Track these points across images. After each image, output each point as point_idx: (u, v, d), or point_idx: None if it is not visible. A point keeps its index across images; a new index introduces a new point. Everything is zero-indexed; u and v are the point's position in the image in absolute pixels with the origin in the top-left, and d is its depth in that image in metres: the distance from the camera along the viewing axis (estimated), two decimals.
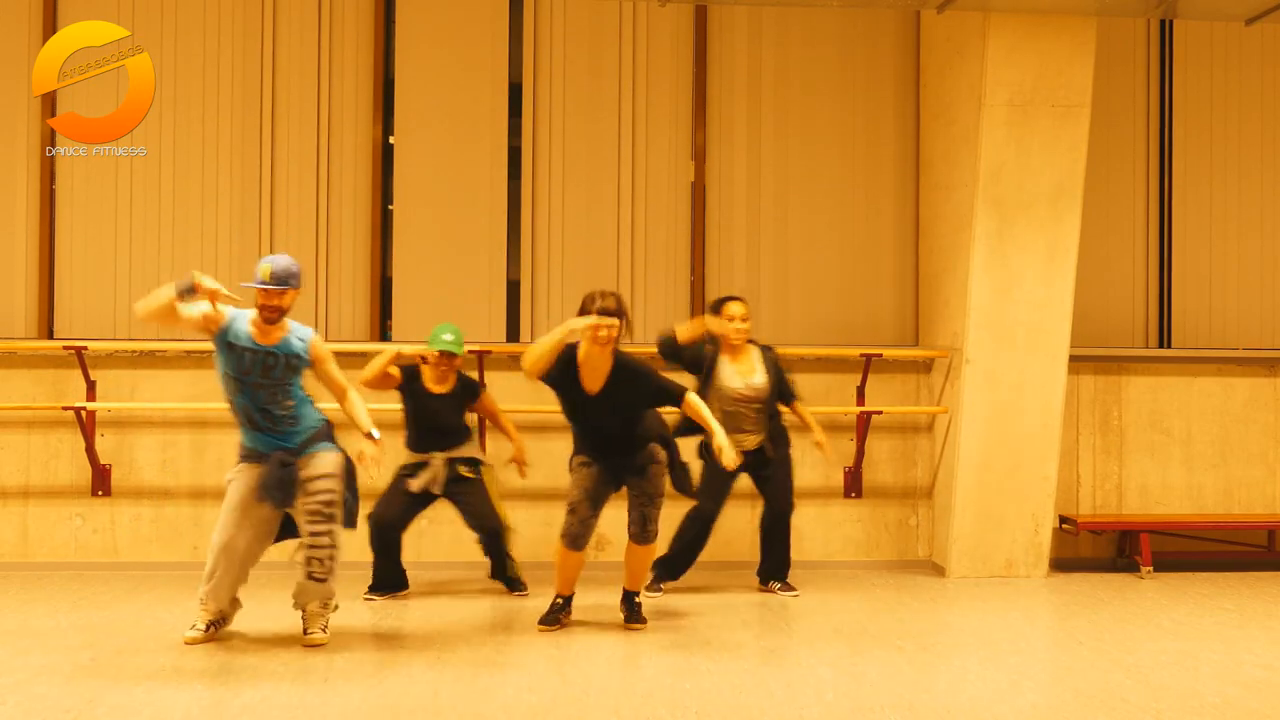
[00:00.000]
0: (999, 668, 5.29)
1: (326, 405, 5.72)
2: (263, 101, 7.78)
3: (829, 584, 7.14)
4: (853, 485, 7.81)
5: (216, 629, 5.56)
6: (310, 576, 5.45)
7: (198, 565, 7.33)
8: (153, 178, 7.73)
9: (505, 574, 6.73)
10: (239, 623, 5.94)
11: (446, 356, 6.51)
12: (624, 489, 5.86)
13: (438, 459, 6.52)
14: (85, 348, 7.27)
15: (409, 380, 6.55)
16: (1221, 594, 7.01)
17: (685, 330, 6.61)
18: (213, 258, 7.72)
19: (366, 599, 6.51)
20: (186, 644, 5.43)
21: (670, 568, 6.74)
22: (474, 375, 7.11)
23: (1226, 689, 4.91)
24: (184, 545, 7.45)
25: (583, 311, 5.55)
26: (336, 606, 5.62)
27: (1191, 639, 5.85)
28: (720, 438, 5.50)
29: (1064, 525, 7.74)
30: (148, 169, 7.71)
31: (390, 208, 7.92)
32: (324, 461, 5.44)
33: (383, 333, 7.84)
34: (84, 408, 7.24)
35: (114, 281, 7.67)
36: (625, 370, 5.61)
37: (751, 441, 6.62)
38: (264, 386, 5.36)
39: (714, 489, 6.56)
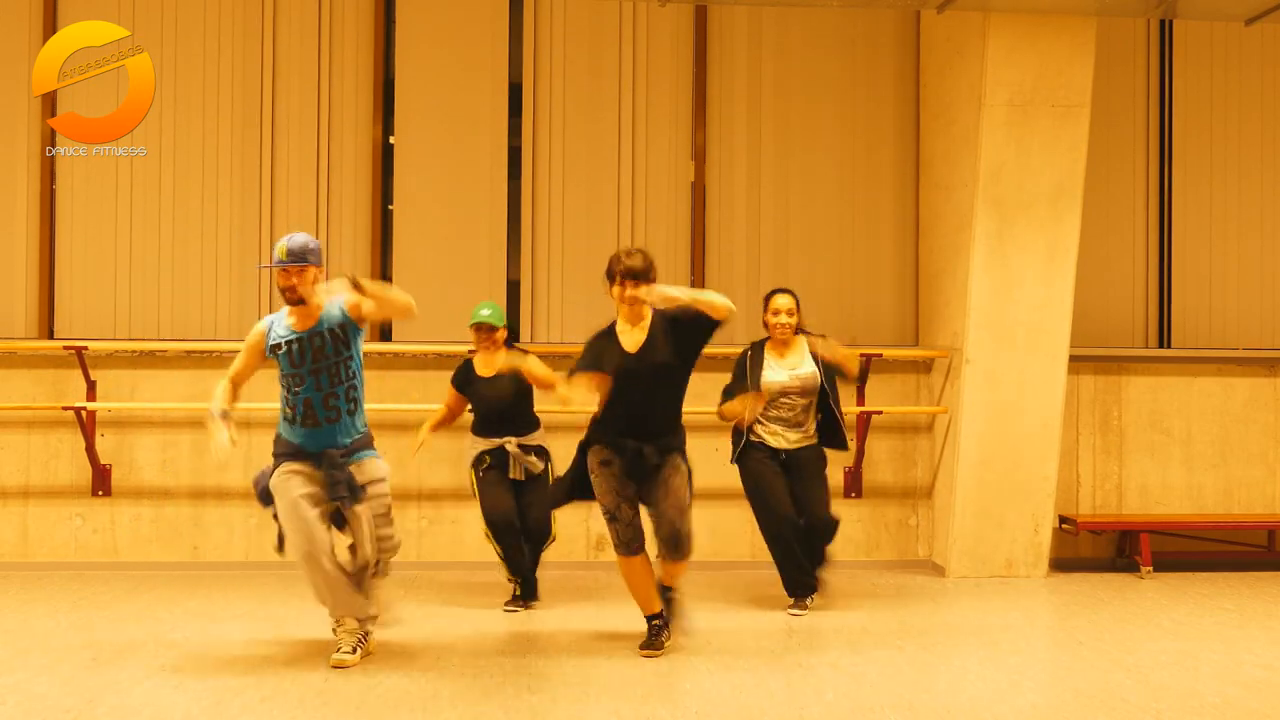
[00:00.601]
0: (999, 668, 5.29)
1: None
2: (263, 101, 7.78)
3: (829, 584, 7.13)
4: (853, 485, 7.81)
5: (364, 642, 5.17)
6: (378, 574, 5.29)
7: (197, 565, 7.40)
8: (153, 178, 7.73)
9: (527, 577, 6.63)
10: (239, 623, 5.95)
11: (485, 330, 6.44)
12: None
13: (511, 443, 6.44)
14: (85, 348, 7.27)
15: (464, 381, 6.54)
16: (1221, 594, 7.01)
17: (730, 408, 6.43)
18: (213, 258, 7.74)
19: (508, 610, 6.32)
20: (334, 668, 4.99)
21: (794, 587, 6.47)
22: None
23: (1226, 689, 4.91)
24: (184, 545, 7.45)
25: (609, 272, 5.48)
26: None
27: (1191, 639, 5.85)
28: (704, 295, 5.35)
29: (1064, 525, 7.74)
30: (148, 169, 7.71)
31: (390, 208, 7.92)
32: (377, 467, 5.27)
33: (383, 333, 7.83)
34: (84, 408, 7.24)
35: (114, 281, 7.68)
36: (663, 315, 5.50)
37: (791, 440, 6.43)
38: (323, 370, 5.09)
39: (768, 499, 6.35)
